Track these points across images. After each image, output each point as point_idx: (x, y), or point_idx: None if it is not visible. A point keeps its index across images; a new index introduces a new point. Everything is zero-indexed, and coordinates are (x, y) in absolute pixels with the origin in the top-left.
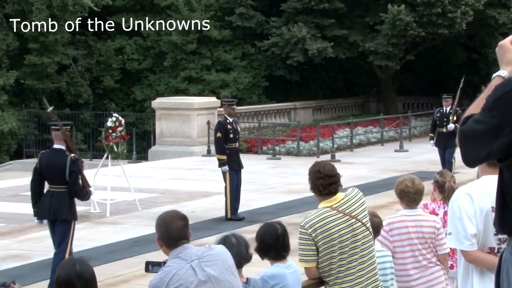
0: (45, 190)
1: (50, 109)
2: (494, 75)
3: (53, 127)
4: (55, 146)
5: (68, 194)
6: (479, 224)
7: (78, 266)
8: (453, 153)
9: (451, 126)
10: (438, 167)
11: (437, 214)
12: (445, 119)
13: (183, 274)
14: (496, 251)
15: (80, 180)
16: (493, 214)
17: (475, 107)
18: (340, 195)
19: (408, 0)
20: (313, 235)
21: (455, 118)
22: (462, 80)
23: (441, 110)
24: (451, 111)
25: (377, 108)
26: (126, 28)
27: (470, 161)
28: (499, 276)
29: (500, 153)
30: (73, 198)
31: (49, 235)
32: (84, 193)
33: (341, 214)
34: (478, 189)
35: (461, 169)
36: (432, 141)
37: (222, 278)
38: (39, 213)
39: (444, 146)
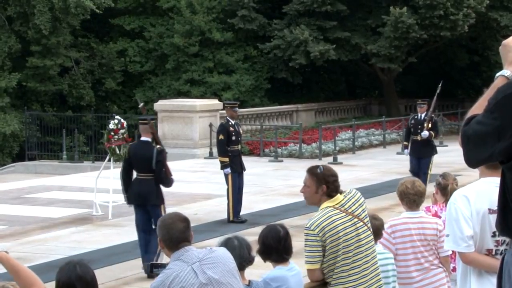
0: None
1: (141, 105)
2: (497, 74)
3: (141, 121)
4: (143, 138)
5: (154, 181)
6: (475, 226)
7: (79, 268)
8: (429, 164)
9: (425, 133)
10: (440, 170)
11: (439, 217)
12: (419, 126)
13: (184, 277)
14: (493, 253)
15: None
16: (490, 216)
17: (478, 107)
18: (340, 196)
19: (410, 2)
20: (320, 235)
21: (429, 125)
22: (439, 85)
23: (416, 117)
24: (425, 117)
25: (379, 111)
26: (128, 30)
27: (472, 162)
28: (501, 279)
29: (502, 155)
30: (159, 185)
31: (50, 237)
32: (168, 180)
33: (344, 214)
34: (474, 191)
35: (464, 172)
36: (406, 150)
37: (224, 281)
38: (129, 198)
39: (419, 155)
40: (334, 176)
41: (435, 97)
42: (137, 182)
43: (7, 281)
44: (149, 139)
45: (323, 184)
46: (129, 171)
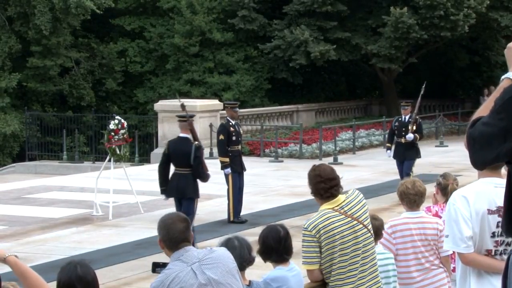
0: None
1: (180, 103)
2: (503, 77)
3: (180, 118)
4: (181, 134)
5: (192, 176)
6: (475, 226)
7: (80, 269)
8: (412, 166)
9: (409, 136)
10: (441, 170)
11: (440, 217)
12: (403, 129)
13: (184, 277)
14: (493, 253)
15: None
16: (489, 216)
17: (484, 109)
18: (341, 197)
19: (410, 2)
20: (317, 236)
21: (414, 128)
22: (423, 87)
23: (400, 119)
24: (410, 120)
25: (379, 111)
26: (128, 30)
27: (478, 164)
28: (506, 279)
29: (508, 155)
30: (196, 179)
31: (50, 237)
32: (205, 175)
33: (343, 216)
34: (474, 191)
35: (464, 172)
36: (389, 151)
37: (223, 281)
38: (167, 192)
39: (402, 158)
40: (330, 180)
41: (419, 99)
42: (176, 176)
43: (7, 281)
44: (188, 136)
45: (311, 185)
46: (166, 166)
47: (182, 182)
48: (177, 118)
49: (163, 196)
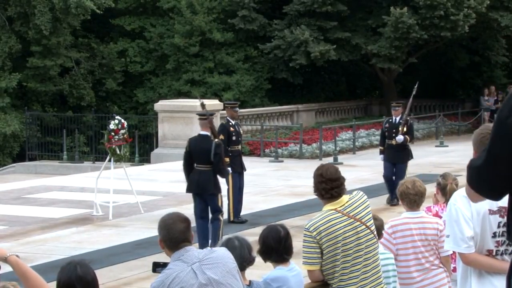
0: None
1: (201, 101)
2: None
3: (200, 117)
4: (202, 132)
5: (212, 172)
6: (476, 226)
7: (80, 269)
8: (405, 169)
9: (400, 138)
10: (441, 170)
11: (440, 217)
12: (394, 130)
13: (184, 277)
14: (494, 253)
15: None
16: (490, 216)
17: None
18: (345, 198)
19: (410, 2)
20: (317, 237)
21: (405, 129)
22: (415, 87)
23: (390, 120)
24: (401, 121)
25: (379, 111)
26: (128, 30)
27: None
28: (510, 279)
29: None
30: (217, 175)
31: (50, 237)
32: (225, 171)
33: (345, 217)
34: None
35: (464, 172)
36: (382, 155)
37: (223, 281)
38: (188, 187)
39: (394, 160)
40: (332, 180)
41: (410, 99)
42: (197, 172)
43: (8, 281)
44: (208, 133)
45: (313, 184)
46: (189, 163)
47: (203, 178)
48: (197, 116)
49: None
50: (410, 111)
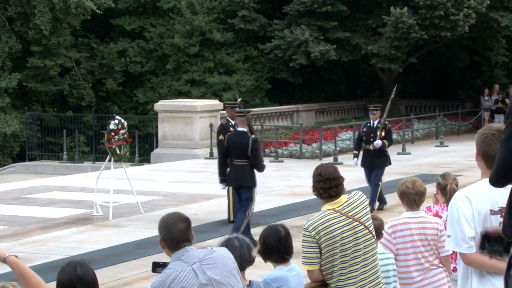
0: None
1: (239, 100)
2: None
3: (238, 114)
4: (239, 129)
5: (249, 166)
6: (477, 227)
7: (79, 269)
8: (381, 175)
9: (378, 143)
10: (441, 170)
11: (440, 217)
12: (372, 135)
13: (184, 277)
14: None
15: None
16: (491, 217)
17: None
18: (343, 198)
19: (410, 2)
20: (316, 237)
21: (383, 134)
22: (394, 89)
23: (368, 124)
24: (379, 125)
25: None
26: (128, 30)
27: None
28: (508, 277)
29: None
30: (253, 170)
31: (50, 237)
32: (261, 166)
33: (344, 217)
34: (476, 192)
35: (464, 172)
36: (355, 159)
37: (224, 281)
38: (226, 181)
39: (371, 166)
40: (330, 180)
41: (389, 102)
42: (234, 167)
43: (8, 281)
44: (245, 130)
45: (312, 183)
46: (226, 158)
47: (240, 173)
48: (236, 113)
49: (222, 185)
50: (388, 114)
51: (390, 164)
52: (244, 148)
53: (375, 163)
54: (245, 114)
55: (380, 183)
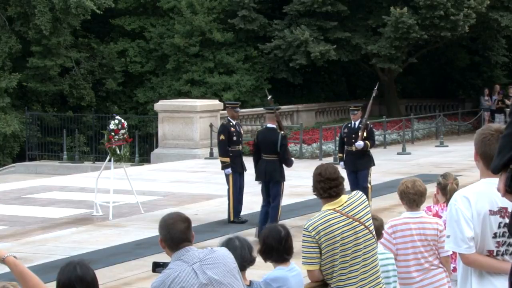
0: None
1: (269, 97)
2: None
3: (268, 111)
4: (269, 125)
5: (279, 161)
6: (476, 227)
7: (79, 269)
8: (367, 177)
9: (359, 144)
10: (441, 170)
11: (440, 217)
12: (353, 136)
13: (185, 277)
14: (494, 254)
15: None
16: (491, 217)
17: None
18: (343, 198)
19: (410, 3)
20: (316, 237)
21: (365, 134)
22: (375, 88)
23: (349, 125)
24: (360, 125)
25: (379, 111)
26: (128, 30)
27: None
28: None
29: None
30: (282, 165)
31: (50, 237)
32: (290, 161)
33: (344, 217)
34: (475, 192)
35: (464, 172)
36: (342, 162)
37: (224, 281)
38: (257, 176)
39: (354, 168)
40: (330, 180)
41: (370, 102)
42: (264, 162)
43: (8, 281)
44: (274, 126)
45: (312, 183)
46: (257, 154)
47: (269, 167)
48: (265, 110)
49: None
50: (370, 114)
51: (374, 165)
52: (273, 144)
53: (357, 164)
54: (275, 111)
55: (369, 186)
